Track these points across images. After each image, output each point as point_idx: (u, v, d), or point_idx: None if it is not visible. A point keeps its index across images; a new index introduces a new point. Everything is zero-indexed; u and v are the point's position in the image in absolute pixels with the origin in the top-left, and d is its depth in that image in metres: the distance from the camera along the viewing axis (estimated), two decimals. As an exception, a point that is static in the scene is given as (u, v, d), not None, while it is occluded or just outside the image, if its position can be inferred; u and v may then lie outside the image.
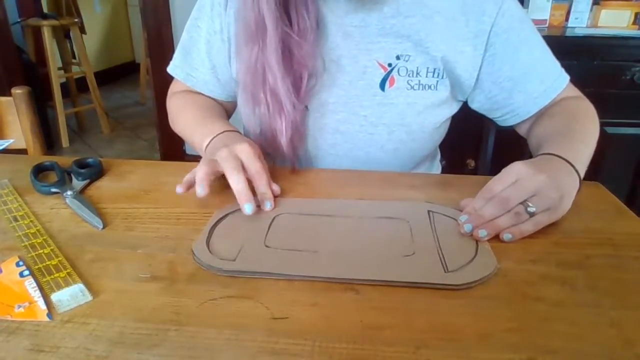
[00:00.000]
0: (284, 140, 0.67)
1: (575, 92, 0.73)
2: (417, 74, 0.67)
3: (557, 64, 0.72)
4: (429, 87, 0.68)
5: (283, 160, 0.69)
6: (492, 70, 0.69)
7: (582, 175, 0.57)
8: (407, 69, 0.67)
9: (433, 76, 0.68)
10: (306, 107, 0.69)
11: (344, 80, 0.69)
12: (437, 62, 0.67)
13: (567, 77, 0.72)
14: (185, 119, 0.76)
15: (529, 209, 0.50)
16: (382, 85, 0.68)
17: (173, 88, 0.83)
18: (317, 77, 0.68)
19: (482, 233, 0.49)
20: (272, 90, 0.65)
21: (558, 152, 0.57)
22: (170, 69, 0.79)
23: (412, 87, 0.68)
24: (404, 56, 0.67)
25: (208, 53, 0.74)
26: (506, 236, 0.50)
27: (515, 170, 0.53)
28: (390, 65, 0.67)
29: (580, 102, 0.72)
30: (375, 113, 0.69)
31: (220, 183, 0.57)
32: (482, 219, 0.51)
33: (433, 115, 0.71)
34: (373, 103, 0.69)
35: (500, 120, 0.76)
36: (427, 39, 0.66)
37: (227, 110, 0.82)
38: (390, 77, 0.68)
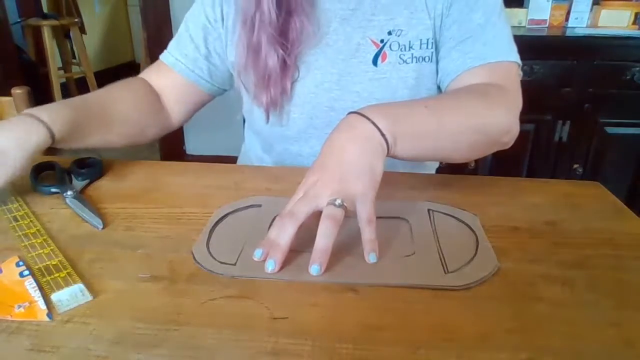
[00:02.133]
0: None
1: (510, 83, 0.64)
2: (410, 47, 0.68)
3: (513, 44, 0.67)
4: (424, 59, 0.69)
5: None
6: (444, 30, 0.68)
7: (395, 132, 0.51)
8: (399, 44, 0.69)
9: (427, 47, 0.69)
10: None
11: (337, 60, 0.71)
12: (429, 31, 0.68)
13: (516, 60, 0.66)
14: None
15: (337, 201, 0.46)
16: (375, 61, 0.70)
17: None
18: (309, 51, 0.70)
19: (314, 269, 0.44)
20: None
21: (364, 110, 0.52)
22: (161, 55, 0.79)
23: (405, 61, 0.69)
24: (395, 31, 0.68)
25: (205, 39, 0.75)
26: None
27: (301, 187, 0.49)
28: (382, 41, 0.69)
29: (496, 89, 0.62)
30: (367, 88, 0.71)
31: (218, 183, 0.57)
32: (279, 248, 0.45)
33: (425, 89, 0.71)
34: (365, 79, 0.70)
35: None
36: (417, 10, 0.67)
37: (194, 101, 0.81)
38: (382, 52, 0.69)
